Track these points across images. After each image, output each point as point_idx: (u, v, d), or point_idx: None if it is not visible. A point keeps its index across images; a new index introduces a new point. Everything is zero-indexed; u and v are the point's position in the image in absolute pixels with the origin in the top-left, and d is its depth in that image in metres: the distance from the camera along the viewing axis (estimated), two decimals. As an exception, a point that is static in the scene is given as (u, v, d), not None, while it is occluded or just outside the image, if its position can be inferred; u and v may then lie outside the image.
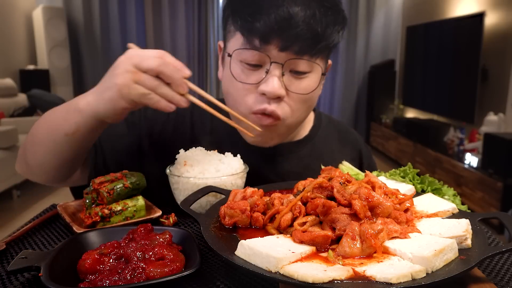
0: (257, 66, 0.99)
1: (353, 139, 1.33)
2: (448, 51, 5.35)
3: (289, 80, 0.99)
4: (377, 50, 7.43)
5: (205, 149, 1.05)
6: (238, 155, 1.03)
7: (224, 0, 1.12)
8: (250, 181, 1.02)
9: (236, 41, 1.00)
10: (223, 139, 1.15)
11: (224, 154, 1.03)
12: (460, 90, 5.06)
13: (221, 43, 1.12)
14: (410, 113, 6.77)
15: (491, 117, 4.42)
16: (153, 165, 1.10)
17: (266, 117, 1.00)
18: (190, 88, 0.87)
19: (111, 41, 7.07)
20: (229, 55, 1.01)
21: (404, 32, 6.81)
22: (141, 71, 0.82)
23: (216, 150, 1.05)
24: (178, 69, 0.84)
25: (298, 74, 1.00)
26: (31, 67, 6.38)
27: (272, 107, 0.99)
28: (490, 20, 4.62)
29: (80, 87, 7.08)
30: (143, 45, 7.17)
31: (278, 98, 0.99)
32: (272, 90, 0.96)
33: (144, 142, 1.14)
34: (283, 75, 0.98)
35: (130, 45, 0.92)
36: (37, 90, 5.97)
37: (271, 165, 1.16)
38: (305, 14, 0.94)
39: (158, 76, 0.83)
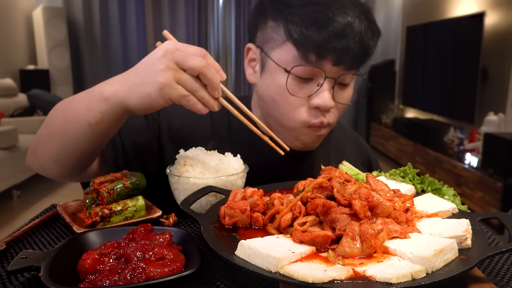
0: (308, 80, 1.01)
1: (364, 146, 1.36)
2: (448, 51, 5.35)
3: (336, 91, 1.03)
4: (377, 50, 7.35)
5: (224, 145, 1.06)
6: (238, 155, 1.03)
7: (258, 4, 1.11)
8: (265, 180, 1.02)
9: (286, 52, 1.00)
10: (241, 135, 1.13)
11: (224, 154, 1.03)
12: (460, 90, 5.06)
13: (251, 46, 1.12)
14: (410, 113, 6.77)
15: (491, 117, 4.42)
16: (173, 160, 1.08)
17: (322, 128, 1.05)
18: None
19: (111, 41, 7.08)
20: (287, 71, 1.00)
21: (404, 32, 6.81)
22: (183, 69, 0.81)
23: (216, 150, 1.05)
24: (217, 71, 0.84)
25: (342, 85, 1.05)
26: (31, 67, 6.38)
27: (326, 118, 1.04)
28: (490, 20, 4.62)
29: (80, 87, 7.08)
30: (143, 45, 7.18)
31: (329, 109, 1.03)
32: (327, 104, 1.00)
33: (164, 136, 1.12)
34: (333, 88, 1.02)
35: (166, 33, 0.88)
36: (37, 90, 5.98)
37: (290, 167, 1.16)
38: (357, 29, 0.97)
39: (197, 76, 0.82)
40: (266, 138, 0.94)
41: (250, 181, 1.00)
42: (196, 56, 0.81)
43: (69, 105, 0.93)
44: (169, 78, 0.79)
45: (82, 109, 0.88)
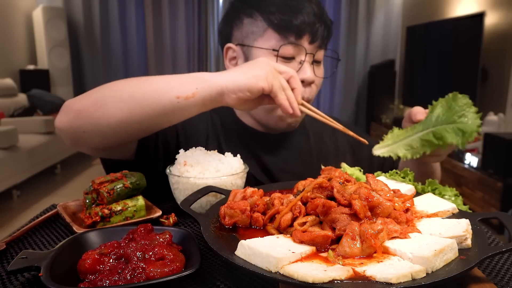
0: (291, 59, 1.16)
1: (344, 136, 1.43)
2: (448, 51, 5.35)
3: (313, 68, 1.19)
4: (377, 50, 7.43)
5: (218, 140, 1.19)
6: (238, 155, 1.03)
7: (235, 6, 1.24)
8: (258, 168, 1.22)
9: (269, 39, 1.15)
10: (229, 129, 1.27)
11: (224, 154, 1.03)
12: (460, 90, 5.01)
13: (230, 45, 1.24)
14: (410, 113, 6.76)
15: (491, 117, 4.42)
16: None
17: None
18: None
19: (111, 41, 7.07)
20: (276, 50, 1.14)
21: (404, 32, 6.80)
22: (278, 72, 0.98)
23: (216, 150, 1.05)
24: None
25: (317, 62, 1.21)
26: (31, 67, 6.38)
27: (306, 94, 1.17)
28: (490, 20, 4.62)
29: (80, 87, 7.08)
30: (143, 45, 7.18)
31: (310, 83, 1.17)
32: (310, 77, 1.15)
33: (179, 126, 1.19)
34: (312, 64, 1.17)
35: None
36: (37, 90, 5.97)
37: (275, 150, 1.29)
38: (320, 12, 1.16)
39: (287, 80, 0.99)
40: (349, 132, 1.05)
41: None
42: (285, 66, 1.01)
43: (155, 78, 0.97)
44: (272, 70, 0.97)
45: (175, 82, 0.94)
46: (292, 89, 1.00)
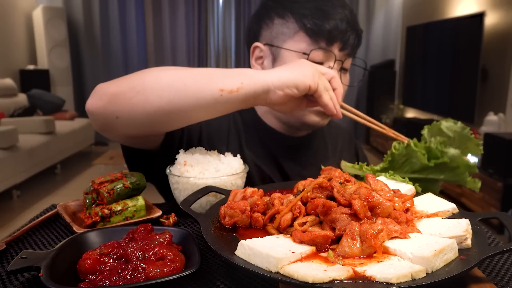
0: (319, 64, 1.13)
1: (354, 140, 1.46)
2: (448, 51, 5.35)
3: (340, 75, 1.19)
4: (377, 50, 7.43)
5: (239, 141, 1.18)
6: (238, 155, 1.03)
7: (267, 5, 1.22)
8: (275, 170, 1.22)
9: (299, 41, 1.14)
10: (250, 128, 1.25)
11: (224, 154, 1.03)
12: (460, 90, 5.06)
13: (258, 44, 1.23)
14: (410, 113, 6.78)
15: (491, 117, 4.42)
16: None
17: None
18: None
19: (111, 41, 7.08)
20: (306, 54, 1.13)
21: (404, 32, 6.81)
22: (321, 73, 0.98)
23: (216, 150, 1.05)
24: None
25: (344, 70, 1.20)
26: (31, 67, 6.39)
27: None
28: (490, 20, 4.62)
29: (80, 87, 7.09)
30: (143, 45, 7.18)
31: None
32: None
33: (203, 126, 1.19)
34: (339, 71, 1.17)
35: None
36: (37, 90, 5.98)
37: (293, 154, 1.28)
38: (353, 19, 1.15)
39: (329, 81, 0.99)
40: (390, 133, 1.06)
41: (261, 172, 1.19)
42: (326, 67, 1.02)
43: (197, 69, 0.94)
44: (317, 70, 0.96)
45: (219, 75, 0.92)
46: (333, 90, 1.00)
